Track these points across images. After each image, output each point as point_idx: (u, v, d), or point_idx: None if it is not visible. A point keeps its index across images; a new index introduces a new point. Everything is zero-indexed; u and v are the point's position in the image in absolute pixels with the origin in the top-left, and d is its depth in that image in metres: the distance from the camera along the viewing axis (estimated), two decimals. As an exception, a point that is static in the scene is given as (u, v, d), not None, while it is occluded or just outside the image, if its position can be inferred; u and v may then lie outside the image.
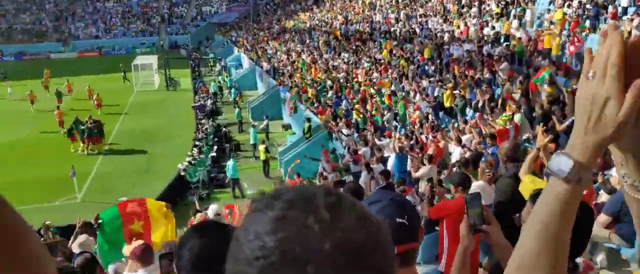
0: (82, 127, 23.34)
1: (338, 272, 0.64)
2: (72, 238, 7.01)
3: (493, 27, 20.54)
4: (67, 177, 17.90)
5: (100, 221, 7.07)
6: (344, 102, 22.24)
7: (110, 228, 7.07)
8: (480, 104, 14.66)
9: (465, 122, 14.13)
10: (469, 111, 15.44)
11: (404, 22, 28.81)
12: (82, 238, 6.91)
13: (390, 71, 22.41)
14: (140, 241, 4.65)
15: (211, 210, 6.39)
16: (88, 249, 6.43)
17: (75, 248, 6.06)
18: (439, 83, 18.17)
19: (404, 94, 19.13)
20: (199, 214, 9.57)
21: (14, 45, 63.55)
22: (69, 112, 27.43)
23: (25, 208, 16.93)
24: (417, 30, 25.79)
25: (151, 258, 4.38)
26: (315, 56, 32.27)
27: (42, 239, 9.53)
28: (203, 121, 26.55)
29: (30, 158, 22.32)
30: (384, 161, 13.28)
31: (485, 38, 19.75)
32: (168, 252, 2.97)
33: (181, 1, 75.44)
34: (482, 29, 20.97)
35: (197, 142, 22.44)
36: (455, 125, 13.69)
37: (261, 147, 20.44)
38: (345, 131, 18.74)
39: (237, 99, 31.31)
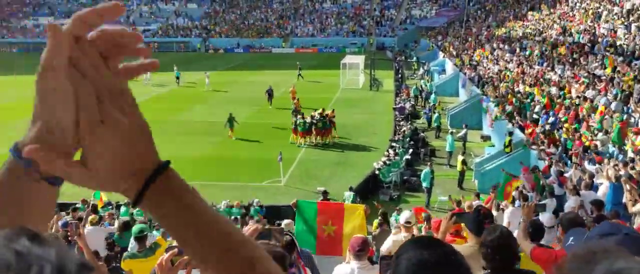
0: (306, 121, 24.62)
1: None
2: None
3: None
4: (275, 161, 19.86)
5: (298, 205, 7.75)
6: (552, 118, 20.65)
7: (305, 217, 7.64)
8: None
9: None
10: None
11: (634, 35, 25.55)
12: (288, 221, 7.85)
13: (611, 88, 20.14)
14: (361, 236, 5.10)
15: (403, 217, 6.55)
16: (291, 230, 7.20)
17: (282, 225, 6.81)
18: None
19: (622, 116, 17.05)
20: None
21: (244, 39, 72.03)
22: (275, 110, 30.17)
23: (235, 184, 19.33)
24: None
25: (365, 254, 4.79)
26: (525, 67, 30.46)
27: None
28: (401, 123, 26.99)
29: (248, 141, 25.05)
30: (593, 188, 12.08)
31: None
32: (388, 255, 3.20)
33: (392, 4, 77.28)
34: None
35: (393, 144, 22.92)
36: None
37: (459, 159, 20.09)
38: (550, 149, 17.43)
39: (435, 105, 31.15)
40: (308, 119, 24.59)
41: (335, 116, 25.49)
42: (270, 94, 32.86)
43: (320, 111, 25.22)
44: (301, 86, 40.59)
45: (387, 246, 6.20)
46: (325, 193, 15.58)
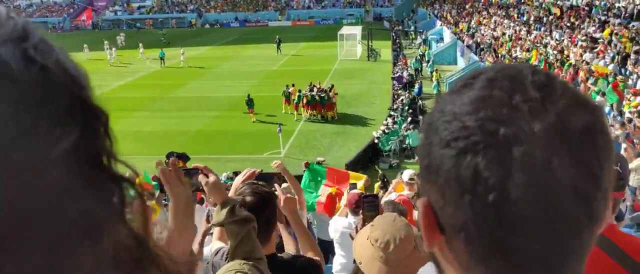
0: (302, 94, 24.04)
1: (549, 157, 0.55)
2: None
3: None
4: (274, 133, 19.96)
5: (310, 166, 8.09)
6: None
7: (313, 177, 7.90)
8: None
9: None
10: None
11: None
12: (286, 184, 7.98)
13: (609, 51, 20.11)
14: (357, 192, 5.21)
15: (406, 174, 6.65)
16: (289, 193, 7.34)
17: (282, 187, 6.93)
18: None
19: (615, 77, 17.04)
20: (395, 180, 9.98)
21: (240, 13, 71.37)
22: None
23: (235, 157, 19.41)
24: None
25: (359, 210, 4.89)
26: (522, 32, 30.32)
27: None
28: (399, 92, 26.98)
29: (247, 113, 24.91)
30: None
31: None
32: (371, 195, 3.27)
33: (388, -27, 76.34)
34: None
35: (392, 113, 22.98)
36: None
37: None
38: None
39: (433, 72, 31.12)
40: (307, 92, 24.43)
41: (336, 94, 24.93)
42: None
43: (317, 84, 25.07)
44: (299, 59, 40.54)
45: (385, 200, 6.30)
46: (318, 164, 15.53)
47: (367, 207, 2.68)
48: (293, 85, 25.00)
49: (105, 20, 72.92)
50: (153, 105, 27.32)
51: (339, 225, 4.79)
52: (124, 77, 35.32)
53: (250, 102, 23.98)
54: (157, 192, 7.74)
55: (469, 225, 0.59)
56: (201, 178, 2.04)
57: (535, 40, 27.38)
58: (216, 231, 2.69)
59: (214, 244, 2.51)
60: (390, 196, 6.55)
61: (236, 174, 15.01)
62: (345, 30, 43.29)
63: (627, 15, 23.18)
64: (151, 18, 71.68)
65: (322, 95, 24.21)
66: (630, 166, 10.16)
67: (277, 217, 2.49)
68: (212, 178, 2.04)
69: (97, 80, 34.33)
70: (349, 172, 8.69)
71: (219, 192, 2.05)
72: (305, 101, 24.12)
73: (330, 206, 7.18)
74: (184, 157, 8.55)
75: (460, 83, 0.63)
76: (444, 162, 0.59)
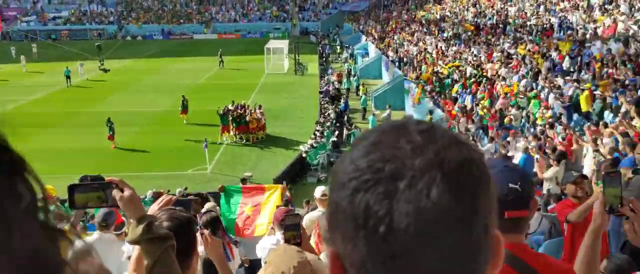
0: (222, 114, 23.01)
1: (429, 187, 0.62)
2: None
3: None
4: (200, 148, 19.47)
5: (225, 189, 7.85)
6: (469, 96, 21.58)
7: (230, 200, 7.75)
8: (623, 109, 13.42)
9: (606, 125, 12.98)
10: (607, 115, 14.23)
11: (541, 15, 27.16)
12: (211, 204, 7.72)
13: (522, 67, 21.29)
14: (283, 208, 5.11)
15: (318, 191, 6.55)
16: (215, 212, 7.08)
17: (204, 209, 6.69)
18: (576, 83, 16.92)
19: (535, 92, 18.11)
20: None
21: (164, 25, 69.50)
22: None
23: (159, 174, 18.75)
24: (555, 25, 24.20)
25: None
26: (443, 48, 31.57)
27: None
28: (326, 106, 27.21)
29: (170, 129, 24.30)
30: (507, 159, 12.75)
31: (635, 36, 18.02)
32: (292, 215, 3.17)
33: (314, -12, 77.34)
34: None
35: (319, 126, 23.08)
36: (591, 127, 12.68)
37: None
38: (469, 126, 18.22)
39: (359, 86, 31.72)
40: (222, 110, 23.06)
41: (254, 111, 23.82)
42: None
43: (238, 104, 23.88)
44: (225, 73, 40.01)
45: (304, 223, 6.19)
46: (243, 180, 15.16)
47: (288, 227, 2.60)
48: (232, 102, 24.02)
49: (17, 30, 68.74)
50: (68, 121, 25.89)
51: (266, 243, 4.70)
52: (36, 91, 33.32)
53: (110, 127, 21.94)
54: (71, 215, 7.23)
55: (366, 261, 0.64)
56: (115, 192, 1.89)
57: (455, 56, 28.57)
58: (132, 260, 2.48)
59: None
60: (313, 213, 6.42)
61: (157, 195, 14.49)
62: (272, 44, 43.28)
63: (538, 32, 24.69)
64: (68, 29, 68.37)
65: (221, 114, 22.96)
66: (545, 175, 10.71)
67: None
68: (127, 192, 1.92)
69: (4, 94, 32.20)
70: (264, 185, 8.61)
71: (135, 207, 1.92)
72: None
73: (247, 227, 7.05)
74: (99, 180, 8.04)
75: (360, 136, 0.73)
76: (341, 203, 0.67)
